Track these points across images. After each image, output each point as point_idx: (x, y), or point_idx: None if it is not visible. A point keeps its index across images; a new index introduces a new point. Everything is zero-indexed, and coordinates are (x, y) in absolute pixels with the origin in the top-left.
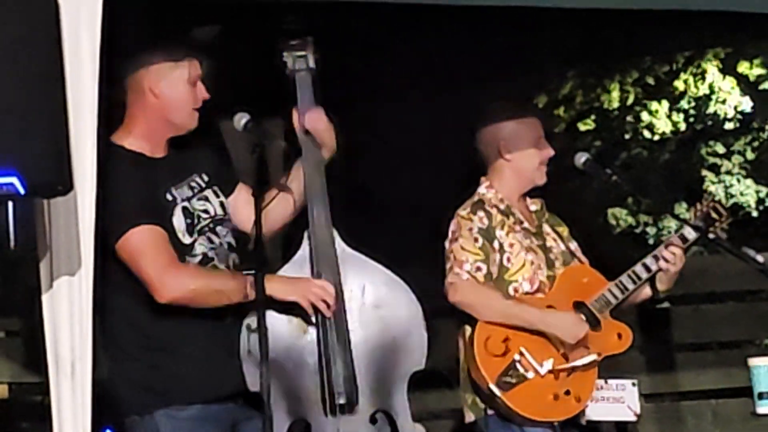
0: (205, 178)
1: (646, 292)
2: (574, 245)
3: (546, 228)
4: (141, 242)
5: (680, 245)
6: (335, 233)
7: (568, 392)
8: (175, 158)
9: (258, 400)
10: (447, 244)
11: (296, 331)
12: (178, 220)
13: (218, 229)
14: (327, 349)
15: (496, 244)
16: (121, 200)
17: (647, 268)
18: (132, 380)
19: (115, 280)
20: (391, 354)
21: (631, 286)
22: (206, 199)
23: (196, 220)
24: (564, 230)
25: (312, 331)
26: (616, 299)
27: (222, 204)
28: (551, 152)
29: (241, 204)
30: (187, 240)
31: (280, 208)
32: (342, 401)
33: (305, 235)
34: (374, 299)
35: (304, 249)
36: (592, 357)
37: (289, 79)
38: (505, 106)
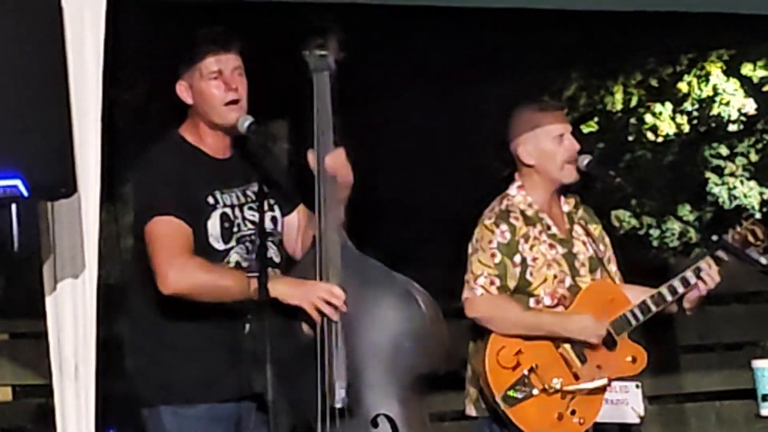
0: (265, 189)
1: (671, 308)
2: (603, 247)
3: (577, 230)
4: (160, 231)
5: (716, 267)
6: (344, 234)
7: (573, 412)
8: (237, 162)
9: (263, 403)
10: (469, 250)
11: (298, 333)
12: (213, 225)
13: (262, 242)
14: (327, 351)
15: (517, 259)
16: (159, 188)
17: (673, 291)
18: (141, 375)
19: (130, 272)
20: (393, 357)
21: (654, 309)
22: (257, 209)
23: (236, 228)
24: (597, 228)
25: (313, 334)
26: (637, 321)
27: (274, 218)
28: (576, 146)
29: (293, 226)
30: (220, 246)
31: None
32: (340, 405)
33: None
34: (378, 302)
35: (310, 251)
36: (602, 381)
37: (308, 80)
38: (523, 111)
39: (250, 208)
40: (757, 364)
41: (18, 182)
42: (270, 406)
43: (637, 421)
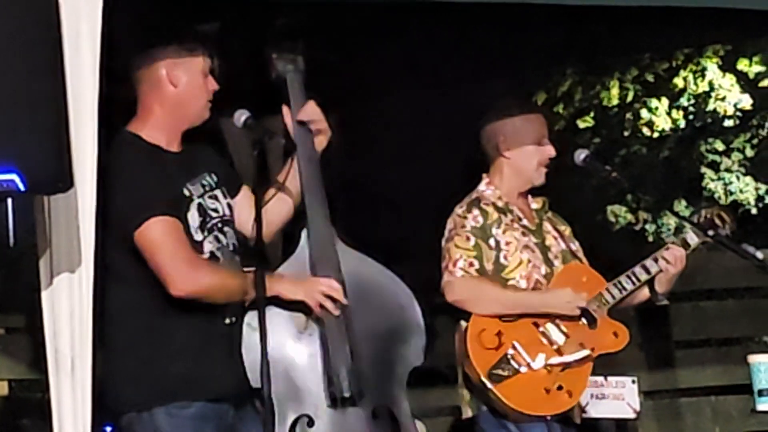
0: (215, 178)
1: (644, 294)
2: (575, 245)
3: (547, 226)
4: (161, 233)
5: (681, 248)
6: (333, 231)
7: (560, 387)
8: (188, 154)
9: (260, 397)
10: (443, 242)
11: (299, 326)
12: (192, 216)
13: (225, 229)
14: (330, 343)
15: (492, 242)
16: (140, 190)
17: (646, 270)
18: (131, 376)
19: (119, 273)
20: (390, 350)
21: (629, 287)
22: (216, 198)
23: (207, 218)
24: (566, 230)
25: (313, 326)
26: (614, 299)
27: (229, 205)
28: (552, 152)
29: (244, 206)
30: (198, 237)
31: (278, 208)
32: (346, 394)
33: (303, 232)
34: (372, 296)
35: (303, 246)
36: (586, 352)
37: (280, 80)
38: (508, 103)
39: (210, 197)
40: (752, 359)
41: (14, 177)
42: (266, 401)
43: (632, 416)
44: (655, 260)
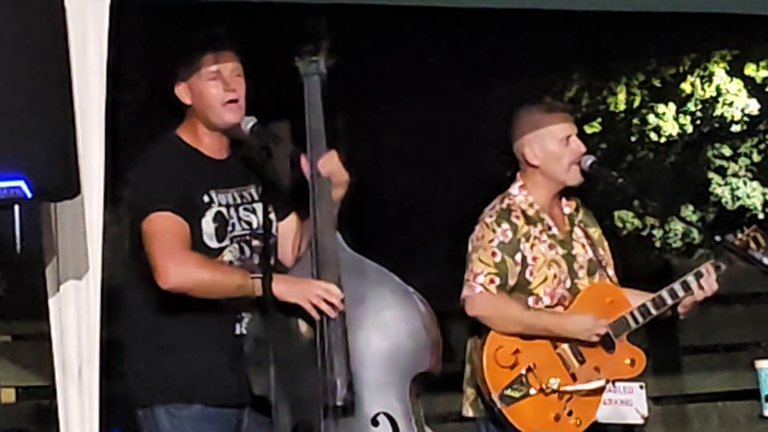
0: (260, 191)
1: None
2: (602, 251)
3: (577, 232)
4: (158, 226)
5: (714, 274)
6: (338, 236)
7: (570, 413)
8: (234, 163)
9: (262, 404)
10: (470, 247)
11: (297, 333)
12: (207, 223)
13: (254, 243)
14: (327, 351)
15: (518, 257)
16: (156, 185)
17: (673, 295)
18: (138, 373)
19: (130, 271)
20: (392, 356)
21: (654, 312)
22: (254, 211)
23: (230, 227)
24: (596, 231)
25: (312, 333)
26: (637, 324)
27: (270, 222)
28: (582, 149)
29: (287, 232)
30: (214, 244)
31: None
32: (341, 403)
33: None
34: (376, 302)
35: (307, 252)
36: (600, 383)
37: (299, 84)
38: (529, 111)
39: (246, 209)
40: (760, 364)
41: (21, 183)
42: (273, 408)
43: (640, 421)
44: (684, 285)
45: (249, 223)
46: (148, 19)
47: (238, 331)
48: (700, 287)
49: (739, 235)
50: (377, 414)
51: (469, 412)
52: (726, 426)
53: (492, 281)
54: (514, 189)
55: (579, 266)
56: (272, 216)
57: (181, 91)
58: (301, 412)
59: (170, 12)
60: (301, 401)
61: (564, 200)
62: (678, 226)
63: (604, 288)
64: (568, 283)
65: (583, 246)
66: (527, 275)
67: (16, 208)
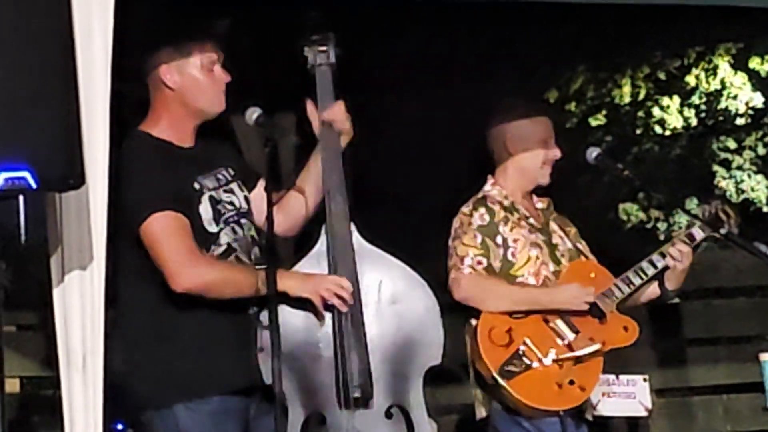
0: (231, 172)
1: (655, 291)
2: (581, 245)
3: (553, 225)
4: (163, 228)
5: (688, 243)
6: (353, 227)
7: (572, 382)
8: (202, 149)
9: (271, 393)
10: (450, 241)
11: (312, 324)
12: (205, 209)
13: (242, 221)
14: (342, 342)
15: (499, 240)
16: (146, 185)
17: (653, 264)
18: (148, 373)
19: (131, 269)
20: (407, 349)
21: (637, 281)
22: (232, 191)
23: (222, 210)
24: (572, 230)
25: (328, 325)
26: (622, 293)
27: (246, 198)
28: (557, 153)
29: (261, 199)
30: (213, 229)
31: (298, 205)
32: (357, 395)
33: (323, 229)
34: (391, 294)
35: (322, 243)
36: (596, 346)
37: (309, 74)
38: (514, 104)
39: (225, 191)
40: (764, 357)
41: (26, 174)
42: (277, 398)
43: (644, 414)
44: (662, 255)
45: (232, 204)
46: (153, 10)
47: (251, 311)
48: (674, 258)
49: (707, 207)
50: (391, 406)
51: (482, 412)
52: (730, 418)
53: (479, 263)
54: (487, 186)
55: (561, 254)
56: (245, 192)
57: (169, 73)
58: (313, 403)
59: (175, 3)
60: (315, 392)
61: (535, 197)
62: (682, 219)
63: (586, 265)
64: (552, 267)
65: (561, 237)
66: (510, 257)
67: (21, 198)
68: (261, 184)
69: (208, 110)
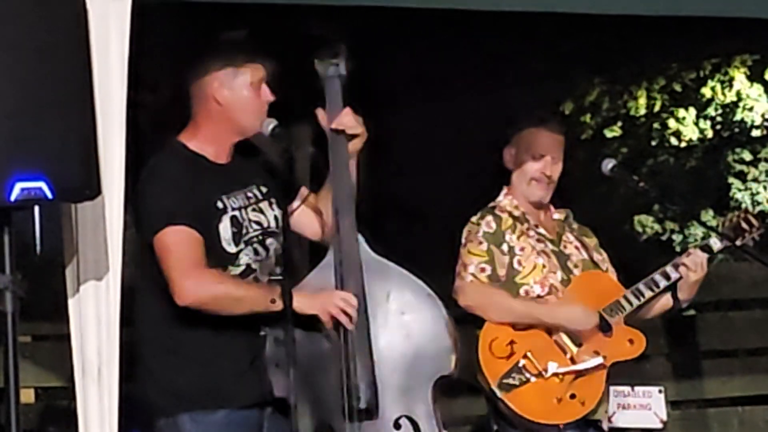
0: (263, 190)
1: (667, 303)
2: (600, 256)
3: (569, 237)
4: (174, 241)
5: (704, 252)
6: (361, 239)
7: (573, 396)
8: (237, 166)
9: (284, 406)
10: (460, 249)
11: (319, 337)
12: (225, 229)
13: (268, 241)
14: (349, 355)
15: (505, 248)
16: (168, 196)
17: (666, 276)
18: (157, 383)
19: (144, 279)
20: (415, 360)
21: (648, 294)
22: (261, 210)
23: (244, 231)
24: (592, 241)
25: (336, 338)
26: (631, 306)
27: (276, 218)
28: (547, 170)
29: (300, 212)
30: (231, 249)
31: (308, 220)
32: (363, 406)
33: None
34: (399, 305)
35: (330, 256)
36: (599, 360)
37: (320, 86)
38: (522, 117)
39: (254, 210)
40: None
41: (42, 184)
42: (292, 410)
43: (659, 426)
44: (675, 267)
45: (259, 223)
46: (170, 20)
47: (262, 332)
48: (688, 268)
49: (729, 215)
50: (399, 417)
51: (493, 426)
52: (745, 431)
53: (483, 270)
54: (500, 196)
55: (573, 265)
56: (277, 211)
57: (215, 87)
58: (322, 414)
59: (191, 13)
60: (323, 404)
61: (552, 208)
62: (698, 231)
63: (596, 276)
64: (560, 275)
65: (577, 248)
66: (516, 265)
67: (37, 208)
68: (302, 192)
69: (251, 129)
